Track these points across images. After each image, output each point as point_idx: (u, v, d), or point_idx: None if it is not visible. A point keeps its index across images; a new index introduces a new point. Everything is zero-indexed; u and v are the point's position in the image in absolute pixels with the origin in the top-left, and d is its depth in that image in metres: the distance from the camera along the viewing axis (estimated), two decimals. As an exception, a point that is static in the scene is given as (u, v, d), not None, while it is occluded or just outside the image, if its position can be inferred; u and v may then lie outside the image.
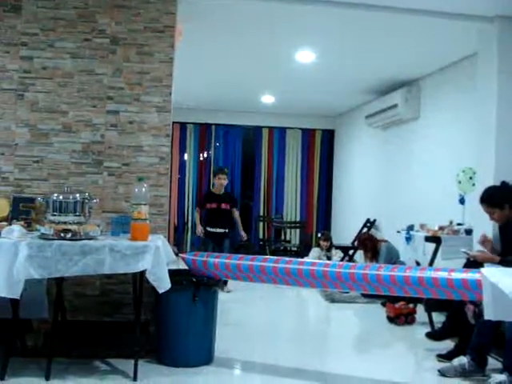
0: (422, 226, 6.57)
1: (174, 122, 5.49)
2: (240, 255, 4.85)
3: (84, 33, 5.04)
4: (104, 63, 5.06)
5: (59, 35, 5.01)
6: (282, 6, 5.44)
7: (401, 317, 6.27)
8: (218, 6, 5.56)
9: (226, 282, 7.52)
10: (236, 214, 8.30)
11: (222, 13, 5.76)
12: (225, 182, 8.22)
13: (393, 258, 7.79)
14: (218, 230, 8.03)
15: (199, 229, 8.08)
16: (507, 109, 5.52)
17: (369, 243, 8.17)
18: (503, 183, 5.06)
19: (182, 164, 12.38)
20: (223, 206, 8.09)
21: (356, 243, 9.53)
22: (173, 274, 4.19)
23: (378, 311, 6.90)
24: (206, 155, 12.58)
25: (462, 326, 4.93)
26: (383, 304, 6.95)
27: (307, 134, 12.72)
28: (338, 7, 5.41)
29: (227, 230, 8.11)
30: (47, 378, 4.00)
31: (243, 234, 8.39)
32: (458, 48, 6.65)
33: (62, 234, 3.98)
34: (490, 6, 5.33)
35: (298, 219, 12.43)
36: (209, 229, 8.07)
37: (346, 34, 6.40)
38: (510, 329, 4.05)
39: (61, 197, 4.15)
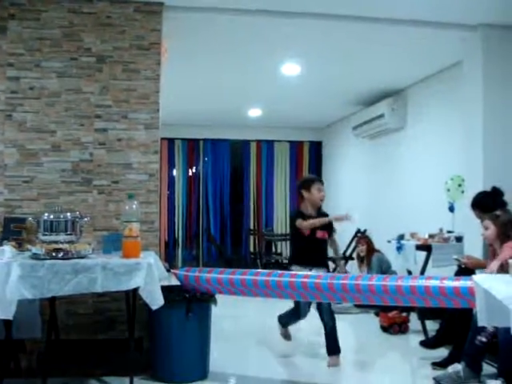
0: (413, 235, 6.59)
1: (161, 138, 5.49)
2: (232, 269, 4.84)
3: (70, 52, 5.06)
4: (91, 82, 5.07)
5: (45, 55, 5.02)
6: (266, 19, 5.48)
7: (394, 326, 6.28)
8: (203, 22, 5.59)
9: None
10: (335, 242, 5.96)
11: (206, 28, 5.78)
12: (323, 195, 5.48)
13: (384, 269, 7.80)
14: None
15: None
16: (493, 116, 5.57)
17: (364, 242, 8.14)
18: (494, 188, 5.10)
19: (171, 180, 12.37)
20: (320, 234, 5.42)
21: (348, 251, 9.53)
22: (165, 290, 4.18)
23: (372, 321, 6.91)
24: (194, 170, 12.57)
25: (455, 334, 4.95)
26: (376, 314, 6.96)
27: (295, 147, 12.76)
28: (322, 19, 5.48)
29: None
30: (42, 399, 3.98)
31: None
32: (443, 57, 6.70)
33: (54, 254, 3.96)
34: (472, 15, 5.40)
35: (288, 231, 12.42)
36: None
37: (330, 45, 6.44)
38: (503, 334, 4.06)
39: (51, 216, 4.14)
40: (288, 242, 11.87)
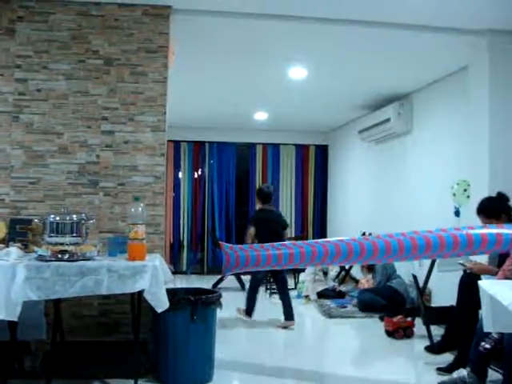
0: (418, 240, 6.57)
1: (168, 140, 5.50)
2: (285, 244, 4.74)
3: (78, 54, 5.08)
4: (98, 84, 5.09)
5: (53, 57, 5.04)
6: (273, 23, 5.48)
7: (399, 330, 6.26)
8: (210, 25, 5.60)
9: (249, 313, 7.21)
10: None
11: (213, 31, 5.79)
12: None
13: (388, 273, 7.81)
14: None
15: None
16: (499, 121, 5.57)
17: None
18: (499, 194, 5.09)
19: (177, 182, 12.37)
20: None
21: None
22: (170, 293, 4.19)
23: (376, 325, 6.89)
24: (200, 173, 12.58)
25: (460, 339, 4.94)
26: (381, 318, 6.96)
27: (301, 150, 12.75)
28: (330, 24, 5.47)
29: None
30: (46, 400, 3.99)
31: None
32: (450, 62, 6.69)
33: (60, 255, 3.98)
34: (480, 20, 5.39)
35: (293, 234, 12.42)
36: None
37: (338, 49, 6.43)
38: (509, 340, 4.05)
39: (57, 218, 4.15)
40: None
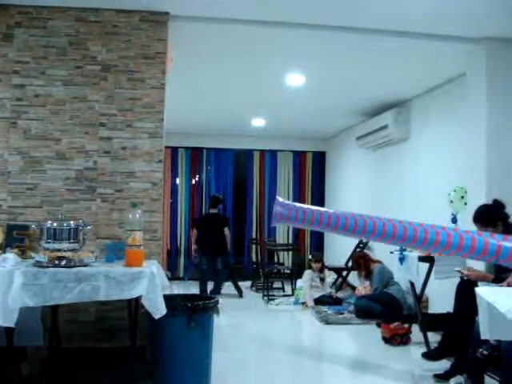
0: (415, 246, 6.57)
1: (165, 147, 5.50)
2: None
3: (75, 60, 5.09)
4: (96, 90, 5.10)
5: (51, 63, 5.05)
6: (270, 30, 5.50)
7: (396, 337, 6.25)
8: (208, 32, 5.61)
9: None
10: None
11: (211, 38, 5.81)
12: None
13: (386, 280, 7.81)
14: None
15: None
16: (496, 128, 5.59)
17: (362, 261, 8.18)
18: (495, 201, 5.09)
19: (174, 188, 12.38)
20: None
21: (350, 262, 9.55)
22: (168, 299, 4.18)
23: (373, 332, 6.88)
24: (197, 179, 12.59)
25: (457, 346, 4.94)
26: (378, 325, 6.95)
27: (298, 157, 12.77)
28: (327, 30, 5.49)
29: None
30: (43, 407, 3.98)
31: None
32: (447, 69, 6.72)
33: (57, 262, 3.96)
34: (477, 28, 5.42)
35: (290, 241, 12.42)
36: None
37: (335, 56, 6.45)
38: (506, 347, 4.05)
39: (55, 224, 4.14)
40: (290, 253, 11.90)
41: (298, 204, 4.32)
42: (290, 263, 11.90)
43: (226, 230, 9.42)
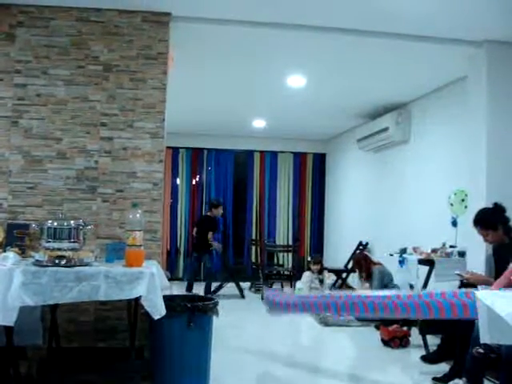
0: (415, 249, 6.59)
1: (166, 147, 5.51)
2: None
3: (77, 60, 5.09)
4: (97, 90, 5.10)
5: (53, 62, 5.06)
6: (272, 31, 5.50)
7: (395, 340, 6.25)
8: (209, 32, 5.61)
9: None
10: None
11: (213, 39, 5.81)
12: None
13: (385, 282, 7.80)
14: None
15: None
16: (497, 131, 5.59)
17: (364, 263, 8.17)
18: (495, 205, 5.10)
19: (175, 188, 12.37)
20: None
21: (350, 263, 9.55)
22: (167, 299, 4.18)
23: (372, 334, 6.88)
24: (198, 179, 12.59)
25: (456, 349, 4.94)
26: (377, 327, 6.94)
27: (299, 158, 12.77)
28: (329, 33, 5.49)
29: None
30: (42, 406, 3.97)
31: None
32: (448, 72, 6.72)
33: (57, 261, 3.96)
34: (478, 31, 5.42)
35: (290, 243, 12.42)
36: None
37: (336, 58, 6.46)
38: (505, 351, 4.05)
39: (55, 223, 4.13)
40: (290, 254, 11.89)
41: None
42: (289, 264, 11.90)
43: (210, 234, 9.75)
